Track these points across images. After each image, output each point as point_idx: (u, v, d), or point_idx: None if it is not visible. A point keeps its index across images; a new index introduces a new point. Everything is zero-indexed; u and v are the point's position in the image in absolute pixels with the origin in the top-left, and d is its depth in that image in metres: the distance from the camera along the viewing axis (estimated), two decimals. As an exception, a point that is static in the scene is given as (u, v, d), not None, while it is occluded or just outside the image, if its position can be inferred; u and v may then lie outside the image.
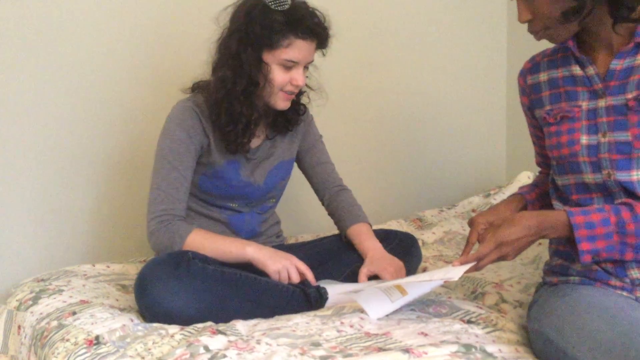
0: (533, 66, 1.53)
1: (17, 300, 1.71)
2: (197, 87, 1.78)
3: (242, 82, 1.66)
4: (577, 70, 1.41)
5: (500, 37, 2.91)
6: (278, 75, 1.67)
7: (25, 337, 1.57)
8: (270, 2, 1.62)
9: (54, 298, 1.64)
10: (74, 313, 1.51)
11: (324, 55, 1.75)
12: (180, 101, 1.75)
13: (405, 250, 1.84)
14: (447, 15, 2.77)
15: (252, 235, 1.83)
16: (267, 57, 1.66)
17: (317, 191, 1.96)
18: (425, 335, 1.36)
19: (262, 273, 1.63)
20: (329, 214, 1.94)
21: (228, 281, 1.53)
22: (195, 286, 1.48)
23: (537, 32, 1.36)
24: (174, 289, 1.46)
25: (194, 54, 2.20)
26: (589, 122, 1.38)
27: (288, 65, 1.66)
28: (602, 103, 1.37)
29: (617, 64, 1.35)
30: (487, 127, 2.94)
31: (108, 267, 1.96)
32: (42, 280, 1.80)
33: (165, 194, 1.66)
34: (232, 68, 1.66)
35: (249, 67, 1.65)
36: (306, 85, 1.79)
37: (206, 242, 1.63)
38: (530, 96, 1.52)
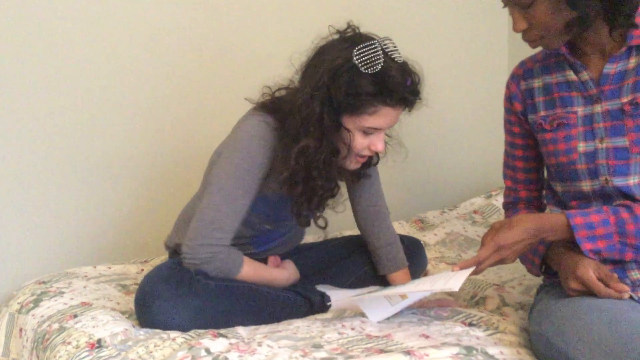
0: (525, 72, 1.51)
1: (18, 303, 1.70)
2: (272, 107, 1.58)
3: (324, 151, 1.49)
4: (571, 75, 1.41)
5: (501, 38, 2.90)
6: (357, 141, 1.50)
7: (26, 340, 1.57)
8: (361, 62, 1.43)
9: (55, 300, 1.64)
10: (75, 316, 1.51)
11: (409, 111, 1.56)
12: (257, 116, 1.56)
13: (411, 255, 1.82)
14: (448, 16, 2.77)
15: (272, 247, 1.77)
16: (347, 122, 1.49)
17: (360, 226, 1.81)
18: (427, 337, 1.36)
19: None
20: (359, 229, 1.83)
21: (231, 295, 1.50)
22: (198, 304, 1.46)
23: (533, 40, 1.35)
24: (176, 308, 1.44)
25: (195, 54, 2.22)
26: (586, 129, 1.38)
27: (369, 132, 1.51)
28: (598, 108, 1.37)
29: (611, 68, 1.35)
30: (489, 128, 2.93)
31: (109, 268, 1.96)
32: (43, 282, 1.80)
33: (226, 219, 1.51)
34: (315, 136, 1.48)
35: (330, 134, 1.49)
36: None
37: (251, 280, 1.56)
38: (525, 102, 1.50)
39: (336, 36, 1.53)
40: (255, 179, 1.54)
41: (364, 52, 1.44)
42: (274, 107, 1.57)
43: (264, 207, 1.62)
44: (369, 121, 1.48)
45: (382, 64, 1.45)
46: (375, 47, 1.45)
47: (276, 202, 1.63)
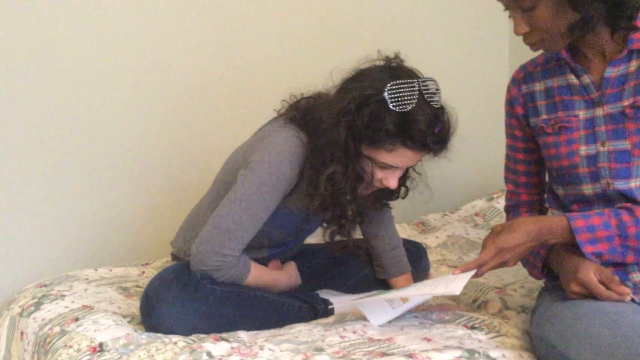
0: (526, 75, 1.51)
1: (19, 307, 1.70)
2: (302, 121, 1.55)
3: (350, 177, 1.47)
4: (572, 79, 1.40)
5: (502, 39, 2.91)
6: (374, 172, 1.48)
7: (28, 344, 1.57)
8: (391, 99, 1.39)
9: (56, 303, 1.64)
10: (77, 319, 1.51)
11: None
12: (290, 130, 1.53)
13: (413, 259, 1.82)
14: (449, 20, 2.77)
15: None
16: (366, 151, 1.46)
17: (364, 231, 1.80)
18: (429, 340, 1.36)
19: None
20: (362, 234, 1.82)
21: (236, 301, 1.50)
22: (202, 310, 1.45)
23: (535, 44, 1.34)
24: (180, 313, 1.44)
25: (197, 58, 2.22)
26: (587, 132, 1.38)
27: (384, 167, 1.48)
28: (599, 112, 1.36)
29: (612, 72, 1.34)
30: (490, 131, 2.93)
31: (110, 270, 1.97)
32: (44, 285, 1.80)
33: (242, 232, 1.49)
34: (341, 161, 1.46)
35: (354, 161, 1.46)
36: (413, 169, 1.62)
37: (255, 285, 1.56)
38: (526, 105, 1.50)
39: (381, 63, 1.50)
40: (279, 195, 1.52)
41: (398, 89, 1.40)
42: (303, 120, 1.55)
43: (289, 222, 1.62)
44: (385, 157, 1.45)
45: (413, 105, 1.40)
46: (412, 87, 1.41)
47: (301, 217, 1.62)
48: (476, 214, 2.55)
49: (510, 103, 1.55)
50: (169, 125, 2.20)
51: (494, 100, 2.93)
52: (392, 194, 1.66)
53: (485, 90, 2.89)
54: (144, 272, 1.95)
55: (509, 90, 1.55)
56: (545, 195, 1.57)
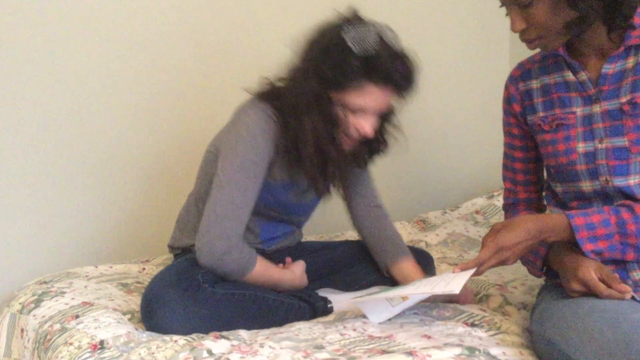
0: (524, 73, 1.51)
1: (19, 304, 1.70)
2: (269, 96, 1.59)
3: (327, 123, 1.51)
4: (569, 75, 1.40)
5: (503, 38, 2.90)
6: (347, 119, 1.52)
7: (28, 341, 1.57)
8: (354, 44, 1.45)
9: (56, 300, 1.64)
10: (77, 316, 1.51)
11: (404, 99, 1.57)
12: (255, 103, 1.58)
13: (420, 266, 1.78)
14: (449, 18, 2.77)
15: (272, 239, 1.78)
16: (335, 96, 1.49)
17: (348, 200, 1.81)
18: (429, 338, 1.36)
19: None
20: (358, 232, 1.83)
21: (236, 303, 1.50)
22: (203, 313, 1.45)
23: (532, 41, 1.34)
24: (181, 316, 1.44)
25: (195, 54, 2.22)
26: (585, 129, 1.38)
27: (356, 111, 1.51)
28: (596, 108, 1.36)
29: (609, 68, 1.34)
30: (490, 129, 2.92)
31: (111, 267, 1.97)
32: (45, 282, 1.80)
33: (239, 211, 1.52)
34: (315, 111, 1.50)
35: (327, 109, 1.50)
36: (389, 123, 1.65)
37: (262, 278, 1.58)
38: (524, 103, 1.50)
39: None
40: (262, 169, 1.55)
41: (357, 31, 1.46)
42: (273, 96, 1.58)
43: (268, 195, 1.63)
44: (355, 99, 1.49)
45: (373, 44, 1.45)
46: (369, 29, 1.47)
47: (280, 190, 1.64)
48: (476, 212, 2.55)
49: (507, 101, 1.55)
50: (168, 123, 2.20)
51: (493, 98, 2.92)
52: (372, 149, 1.67)
53: (485, 88, 2.89)
54: (144, 269, 1.95)
55: (506, 88, 1.55)
56: (544, 193, 1.57)
